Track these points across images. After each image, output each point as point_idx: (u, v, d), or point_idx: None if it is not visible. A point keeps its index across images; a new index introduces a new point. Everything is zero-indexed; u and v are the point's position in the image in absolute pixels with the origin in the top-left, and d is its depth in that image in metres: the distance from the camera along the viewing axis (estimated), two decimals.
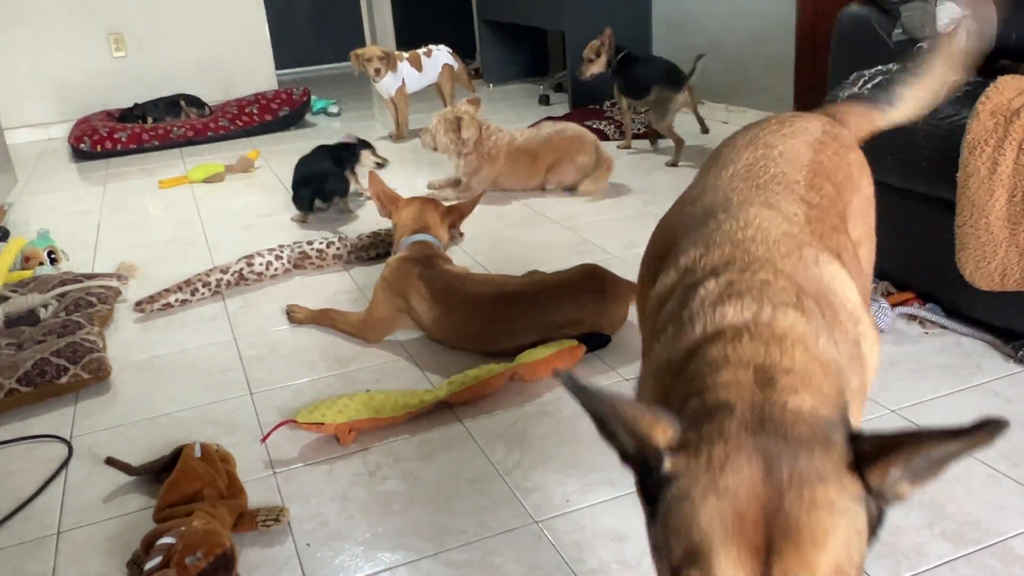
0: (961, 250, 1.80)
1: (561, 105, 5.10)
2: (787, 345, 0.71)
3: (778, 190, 1.00)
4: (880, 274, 2.08)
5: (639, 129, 4.14)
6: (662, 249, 1.01)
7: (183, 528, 1.33)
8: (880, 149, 1.98)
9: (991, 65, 2.02)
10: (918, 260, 2.02)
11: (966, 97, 1.82)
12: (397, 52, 4.60)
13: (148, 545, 1.35)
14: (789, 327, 0.73)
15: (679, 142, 3.68)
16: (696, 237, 0.91)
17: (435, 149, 3.40)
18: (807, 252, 0.87)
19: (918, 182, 1.94)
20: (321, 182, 3.25)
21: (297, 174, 3.34)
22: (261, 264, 2.63)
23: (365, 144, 3.67)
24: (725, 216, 0.93)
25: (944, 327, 1.97)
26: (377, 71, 4.37)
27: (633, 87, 3.81)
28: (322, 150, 3.50)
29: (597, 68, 3.84)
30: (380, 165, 3.66)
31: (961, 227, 1.79)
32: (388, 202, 2.43)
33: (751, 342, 0.71)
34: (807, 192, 1.02)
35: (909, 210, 2.01)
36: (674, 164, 3.68)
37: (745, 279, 0.80)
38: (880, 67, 2.07)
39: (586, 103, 4.82)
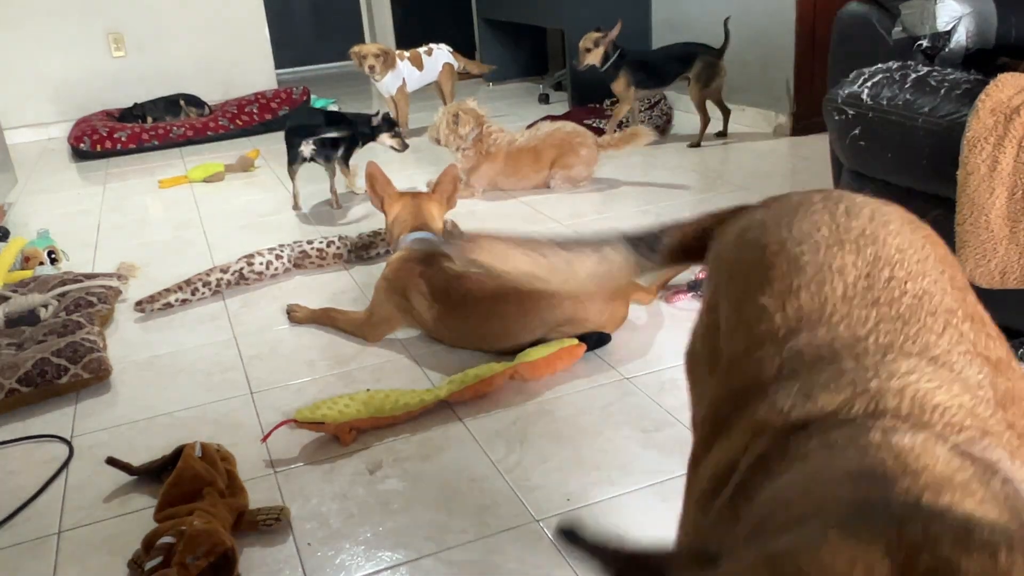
0: (961, 248, 1.80)
1: (561, 104, 5.10)
2: None
3: (938, 328, 0.67)
4: None
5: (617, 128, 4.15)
6: (737, 399, 0.70)
7: (184, 528, 1.33)
8: (880, 146, 1.99)
9: (991, 63, 2.02)
10: None
11: (966, 95, 1.82)
12: (398, 51, 4.60)
13: (149, 545, 1.35)
14: None
15: (726, 112, 3.90)
16: (804, 387, 0.63)
17: (439, 142, 3.45)
18: (1000, 450, 0.53)
19: (918, 180, 1.94)
20: (318, 132, 3.30)
21: (293, 120, 3.37)
22: (261, 263, 2.63)
23: (391, 124, 3.62)
24: (855, 365, 0.63)
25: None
26: (372, 68, 4.37)
27: (652, 75, 3.86)
28: (334, 113, 3.53)
29: (593, 59, 3.84)
30: (397, 150, 3.64)
31: (961, 225, 1.79)
32: (380, 189, 2.38)
33: None
34: (976, 333, 0.69)
35: (909, 208, 2.00)
36: (697, 145, 3.77)
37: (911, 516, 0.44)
38: (880, 65, 2.07)
39: (586, 101, 4.82)
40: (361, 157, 3.63)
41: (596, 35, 3.81)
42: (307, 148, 3.29)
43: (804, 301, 0.74)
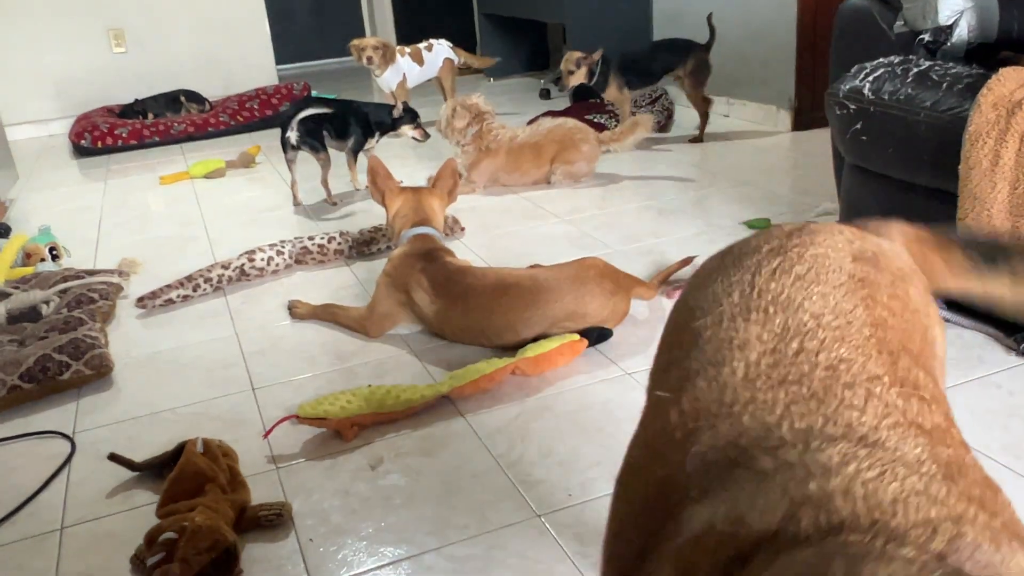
0: None
1: (562, 99, 5.09)
2: None
3: (859, 402, 0.57)
4: None
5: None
6: (644, 524, 0.58)
7: (186, 523, 1.33)
8: (882, 140, 1.99)
9: (993, 57, 2.02)
10: None
11: (967, 89, 1.82)
12: (399, 46, 4.59)
13: (151, 540, 1.35)
14: None
15: (706, 115, 3.93)
16: (725, 507, 0.50)
17: (447, 137, 3.48)
18: (983, 543, 0.45)
19: (920, 174, 1.94)
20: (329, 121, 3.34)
21: (288, 108, 3.43)
22: (263, 259, 2.63)
23: (413, 115, 3.61)
24: (774, 464, 0.52)
25: (946, 320, 1.97)
26: (370, 59, 4.37)
27: (641, 74, 3.87)
28: (349, 103, 3.52)
29: (577, 80, 3.84)
30: (419, 140, 3.64)
31: (963, 220, 1.79)
32: (382, 183, 2.36)
33: None
34: (906, 400, 0.59)
35: (911, 202, 2.01)
36: (699, 140, 3.82)
37: None
38: (882, 60, 2.07)
39: (586, 97, 4.81)
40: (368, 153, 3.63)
41: (577, 55, 3.80)
42: (292, 134, 3.28)
43: (701, 390, 0.61)
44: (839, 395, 0.58)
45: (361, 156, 3.50)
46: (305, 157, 3.39)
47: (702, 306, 0.69)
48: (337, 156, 3.45)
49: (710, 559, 0.47)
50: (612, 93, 3.88)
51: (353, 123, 3.43)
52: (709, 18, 3.78)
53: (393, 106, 3.57)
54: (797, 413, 0.56)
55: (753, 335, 0.64)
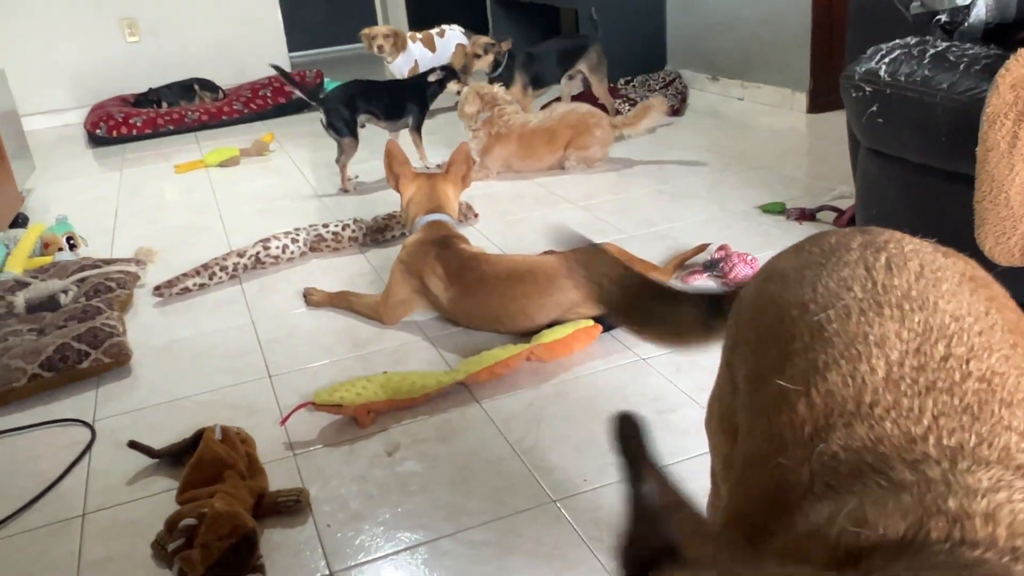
0: (980, 226, 1.79)
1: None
2: None
3: (1019, 425, 0.53)
4: None
5: None
6: (759, 511, 0.57)
7: (205, 510, 1.34)
8: (898, 123, 1.97)
9: (1011, 37, 1.99)
10: (937, 236, 2.00)
11: (985, 70, 1.80)
12: (411, 32, 4.59)
13: (172, 526, 1.37)
14: None
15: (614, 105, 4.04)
16: (851, 507, 0.48)
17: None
18: None
19: (937, 157, 1.92)
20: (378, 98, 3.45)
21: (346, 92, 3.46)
22: (277, 247, 2.64)
23: (453, 73, 3.66)
24: (914, 477, 0.49)
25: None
26: (380, 48, 4.37)
27: (545, 72, 3.96)
28: (374, 82, 3.58)
29: (481, 65, 3.86)
30: (459, 93, 3.65)
31: (980, 202, 1.77)
32: (397, 167, 2.36)
33: None
34: None
35: (927, 185, 1.99)
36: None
37: None
38: (898, 41, 2.05)
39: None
40: (374, 141, 3.64)
41: (485, 41, 3.80)
42: (322, 117, 3.38)
43: (834, 384, 0.59)
44: (996, 413, 0.53)
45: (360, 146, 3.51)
46: (363, 136, 3.46)
47: (815, 300, 0.66)
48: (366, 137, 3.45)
49: (825, 551, 0.45)
50: (516, 92, 3.85)
51: (407, 101, 3.48)
52: (592, 12, 3.85)
53: (429, 72, 3.60)
54: (947, 427, 0.53)
55: (891, 331, 0.60)
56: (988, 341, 0.59)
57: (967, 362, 0.57)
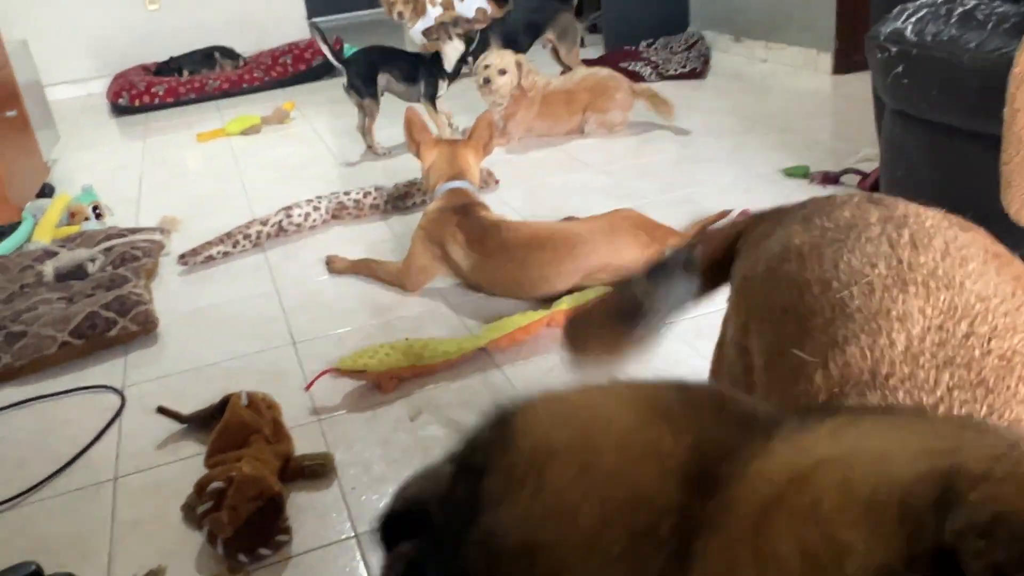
0: (1007, 188, 1.76)
1: (596, 47, 5.02)
2: None
3: None
4: None
5: None
6: None
7: (233, 474, 1.37)
8: (924, 83, 1.94)
9: None
10: (962, 198, 1.98)
11: (1014, 28, 1.76)
12: None
13: (201, 489, 1.40)
14: None
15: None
16: None
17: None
18: None
19: (963, 118, 1.89)
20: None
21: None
22: (300, 215, 2.65)
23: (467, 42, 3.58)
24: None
25: None
26: (400, 14, 4.34)
27: (518, 40, 3.87)
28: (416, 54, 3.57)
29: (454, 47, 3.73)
30: (467, 50, 3.57)
31: (1007, 164, 1.75)
32: (417, 134, 2.36)
33: None
34: None
35: (953, 147, 1.96)
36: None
37: None
38: (924, 0, 2.01)
39: (621, 43, 4.74)
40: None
41: (454, 17, 3.65)
42: (343, 79, 3.40)
43: (852, 356, 0.59)
44: (1011, 388, 0.54)
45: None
46: (386, 102, 3.46)
47: (838, 278, 0.66)
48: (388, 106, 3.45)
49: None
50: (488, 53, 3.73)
51: (421, 69, 3.46)
52: None
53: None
54: (959, 399, 0.54)
55: (915, 308, 0.60)
56: (1013, 322, 0.59)
57: (988, 340, 0.57)
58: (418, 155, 2.37)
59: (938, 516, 0.20)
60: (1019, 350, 0.57)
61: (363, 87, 3.35)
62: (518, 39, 3.88)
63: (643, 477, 0.21)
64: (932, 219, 0.71)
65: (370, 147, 3.42)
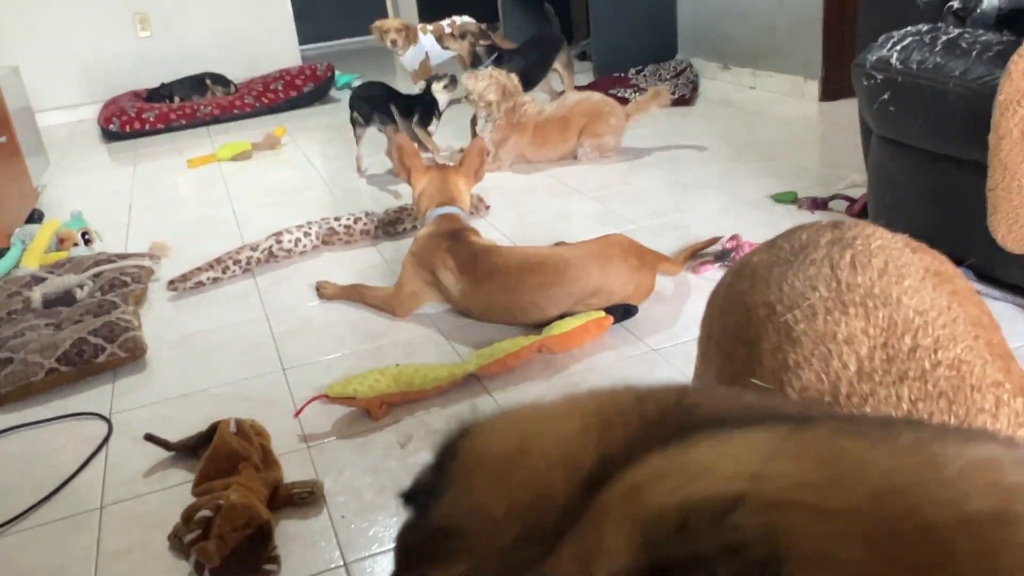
0: (993, 213, 1.78)
1: (585, 73, 5.06)
2: None
3: (990, 407, 0.58)
4: (916, 239, 2.06)
5: None
6: None
7: (221, 502, 1.36)
8: (910, 110, 1.96)
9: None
10: (950, 224, 2.00)
11: (998, 57, 1.78)
12: (421, 24, 4.59)
13: (188, 518, 1.39)
14: None
15: None
16: None
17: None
18: None
19: (949, 144, 1.91)
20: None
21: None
22: (290, 241, 2.65)
23: (454, 80, 3.57)
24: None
25: (977, 291, 1.95)
26: (394, 42, 4.38)
27: (533, 71, 3.99)
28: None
29: (457, 49, 3.78)
30: (450, 93, 3.57)
31: (993, 190, 1.76)
32: (408, 160, 2.36)
33: None
34: None
35: (940, 173, 1.98)
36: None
37: None
38: (910, 28, 2.04)
39: (611, 71, 4.78)
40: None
41: (466, 24, 3.71)
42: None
43: (808, 381, 0.61)
44: (969, 397, 0.56)
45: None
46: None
47: (781, 301, 0.68)
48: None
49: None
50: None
51: (416, 105, 3.53)
52: (547, 9, 3.93)
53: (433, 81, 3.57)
54: (926, 411, 0.56)
55: (857, 329, 0.63)
56: (952, 333, 0.62)
57: (935, 352, 0.60)
58: (409, 181, 2.38)
59: (679, 540, 0.21)
60: (964, 359, 0.60)
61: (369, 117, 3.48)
62: (532, 71, 3.94)
63: (551, 483, 0.24)
64: (882, 240, 0.73)
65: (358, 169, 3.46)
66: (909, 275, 0.68)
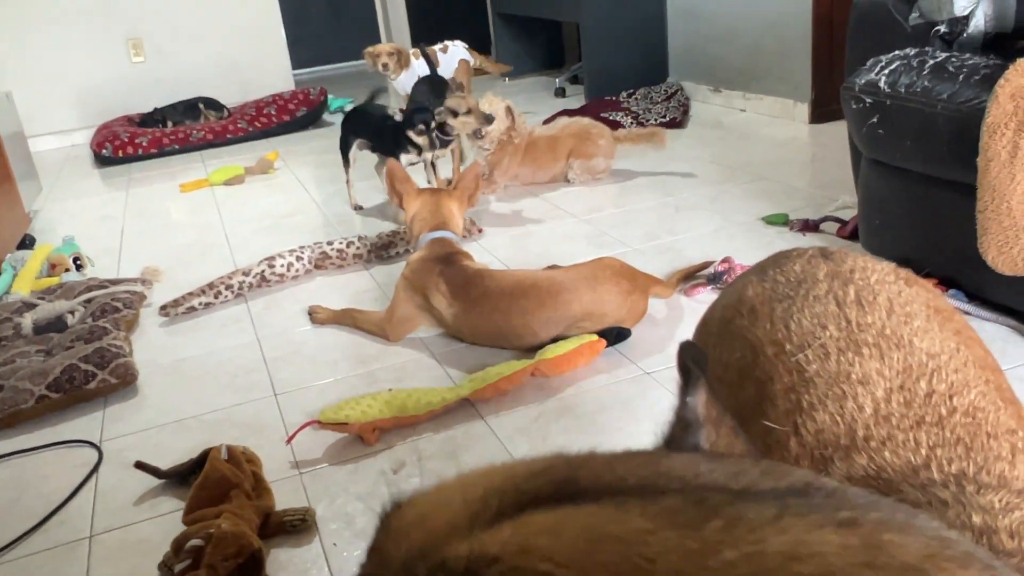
0: (983, 236, 1.79)
1: (577, 97, 5.09)
2: None
3: (1006, 454, 0.57)
4: (902, 261, 2.07)
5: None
6: None
7: (212, 530, 1.35)
8: (899, 133, 1.97)
9: (1010, 47, 2.00)
10: (940, 246, 2.01)
11: (985, 80, 1.80)
12: (414, 49, 4.61)
13: (178, 547, 1.37)
14: None
15: None
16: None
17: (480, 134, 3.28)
18: None
19: (938, 167, 1.92)
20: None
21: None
22: (283, 265, 2.65)
23: (417, 116, 3.17)
24: (927, 498, 0.53)
25: (967, 313, 1.96)
26: (385, 66, 4.39)
27: None
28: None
29: (478, 123, 3.17)
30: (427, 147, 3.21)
31: (982, 212, 1.77)
32: (399, 185, 2.35)
33: None
34: None
35: (930, 195, 1.99)
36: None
37: None
38: (897, 52, 2.06)
39: (602, 94, 4.81)
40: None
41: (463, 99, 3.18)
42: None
43: (823, 423, 0.60)
44: (986, 444, 0.57)
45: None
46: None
47: (790, 340, 0.68)
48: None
49: None
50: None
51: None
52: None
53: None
54: (945, 457, 0.56)
55: (872, 370, 0.62)
56: (965, 378, 0.62)
57: (950, 398, 0.60)
58: (401, 206, 2.38)
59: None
60: (978, 406, 0.60)
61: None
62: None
63: (433, 549, 0.29)
64: (878, 274, 0.73)
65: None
66: (916, 315, 0.67)
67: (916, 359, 0.63)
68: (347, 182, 3.46)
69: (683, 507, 0.26)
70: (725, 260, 2.32)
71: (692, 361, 0.47)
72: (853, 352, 0.64)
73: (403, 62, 4.46)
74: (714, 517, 0.25)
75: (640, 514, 0.26)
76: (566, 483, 0.30)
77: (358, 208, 3.41)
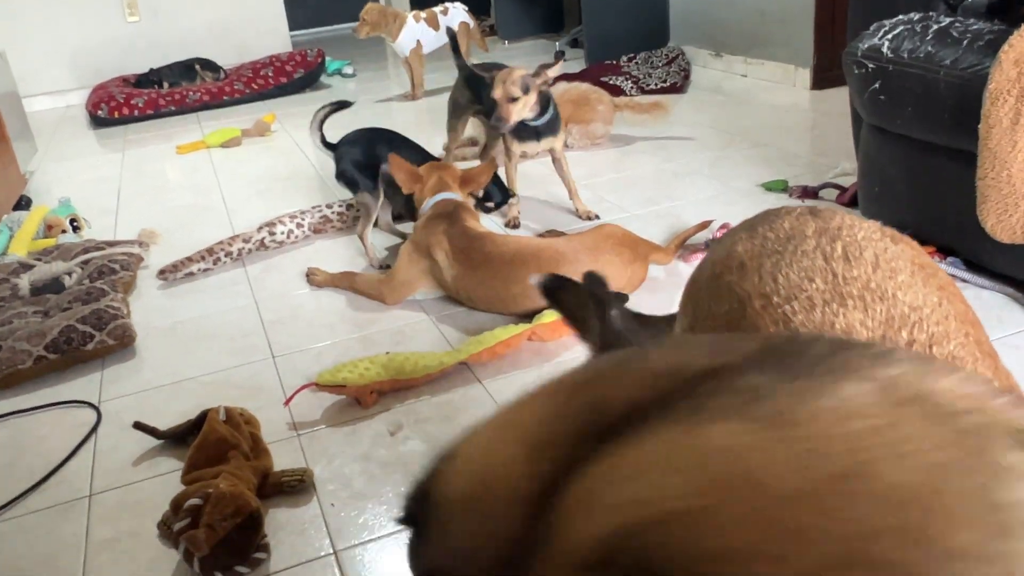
0: (983, 203, 1.78)
1: (577, 61, 5.04)
2: None
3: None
4: (900, 228, 2.06)
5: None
6: None
7: (210, 490, 1.36)
8: (900, 99, 1.96)
9: (1015, 12, 1.98)
10: (939, 213, 2.01)
11: (989, 46, 1.78)
12: (414, 12, 4.57)
13: (177, 506, 1.38)
14: None
15: None
16: None
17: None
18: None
19: (939, 134, 1.91)
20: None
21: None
22: (283, 232, 2.64)
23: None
24: None
25: (965, 281, 1.96)
26: (355, 30, 4.39)
27: None
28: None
29: (522, 112, 2.53)
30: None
31: (983, 179, 1.77)
32: (405, 174, 2.32)
33: None
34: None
35: (930, 163, 1.99)
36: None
37: None
38: (901, 17, 2.04)
39: (602, 58, 4.76)
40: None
41: (522, 73, 2.50)
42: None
43: None
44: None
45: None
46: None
47: (778, 292, 0.70)
48: None
49: None
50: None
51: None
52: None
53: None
54: None
55: (856, 320, 0.64)
56: (945, 330, 0.64)
57: (930, 347, 0.62)
58: (410, 188, 2.32)
59: None
60: (957, 355, 0.62)
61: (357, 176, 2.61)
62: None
63: (505, 518, 0.26)
64: (864, 231, 0.75)
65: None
66: (901, 270, 0.69)
67: (899, 311, 0.64)
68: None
69: (737, 396, 0.25)
70: (724, 226, 2.31)
71: (595, 284, 0.54)
72: (838, 304, 0.66)
73: (378, 25, 4.40)
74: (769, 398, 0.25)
75: (709, 420, 0.24)
76: (603, 411, 0.28)
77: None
